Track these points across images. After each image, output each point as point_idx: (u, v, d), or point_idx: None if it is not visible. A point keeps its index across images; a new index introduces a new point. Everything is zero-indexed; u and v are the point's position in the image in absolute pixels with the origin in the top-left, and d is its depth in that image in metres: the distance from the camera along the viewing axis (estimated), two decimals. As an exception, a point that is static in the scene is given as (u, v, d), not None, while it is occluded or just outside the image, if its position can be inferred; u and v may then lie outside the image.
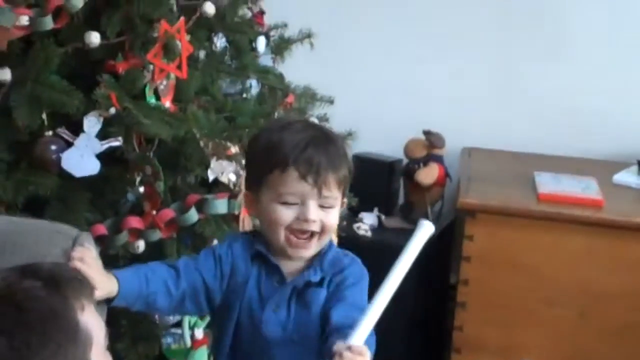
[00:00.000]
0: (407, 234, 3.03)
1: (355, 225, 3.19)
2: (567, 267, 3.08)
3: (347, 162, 1.93)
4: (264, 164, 1.85)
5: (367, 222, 3.30)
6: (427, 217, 3.15)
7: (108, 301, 1.71)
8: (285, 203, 1.84)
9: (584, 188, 3.07)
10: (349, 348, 1.71)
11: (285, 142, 1.83)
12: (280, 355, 1.91)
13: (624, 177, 3.17)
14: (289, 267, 1.96)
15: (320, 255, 1.96)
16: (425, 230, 1.82)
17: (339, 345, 1.73)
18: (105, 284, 1.73)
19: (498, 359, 3.15)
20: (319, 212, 1.86)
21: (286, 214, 1.87)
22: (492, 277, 3.13)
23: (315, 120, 2.68)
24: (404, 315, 3.29)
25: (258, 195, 1.91)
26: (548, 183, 3.08)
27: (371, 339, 1.84)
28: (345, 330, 1.80)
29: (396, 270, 1.81)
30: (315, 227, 1.86)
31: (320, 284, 2.00)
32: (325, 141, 1.86)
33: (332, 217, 1.89)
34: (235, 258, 1.94)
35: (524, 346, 3.14)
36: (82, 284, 1.44)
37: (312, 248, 1.93)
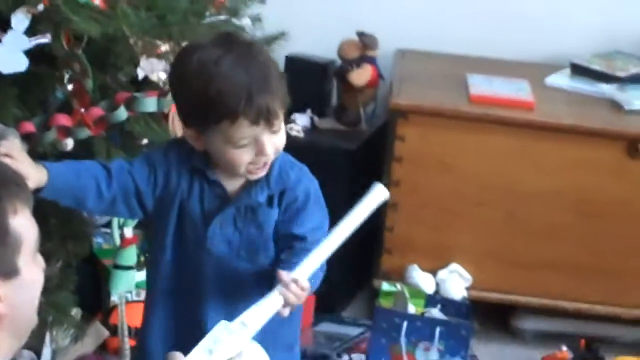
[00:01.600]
0: (339, 136, 3.07)
1: (288, 126, 3.15)
2: (496, 168, 3.16)
3: (281, 77, 1.95)
4: (208, 116, 1.89)
5: (299, 123, 3.33)
6: (359, 118, 3.29)
7: (37, 191, 1.73)
8: (239, 146, 1.87)
9: (516, 90, 3.16)
10: (295, 281, 1.81)
11: (225, 94, 1.85)
12: (227, 272, 1.98)
13: (556, 79, 3.26)
14: (232, 185, 2.02)
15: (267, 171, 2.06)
16: (377, 194, 1.89)
17: (285, 275, 1.82)
18: (34, 174, 1.77)
19: (427, 259, 3.21)
20: (272, 140, 1.90)
21: (243, 156, 1.92)
22: (423, 178, 3.19)
23: (248, 22, 2.71)
24: (335, 216, 3.33)
25: (204, 134, 1.95)
26: (480, 85, 3.14)
27: (319, 272, 1.96)
28: (294, 258, 1.92)
29: (342, 226, 1.87)
30: (272, 156, 1.91)
31: (269, 203, 2.06)
32: (255, 63, 1.91)
33: (282, 137, 1.95)
34: (169, 167, 1.98)
35: (453, 246, 3.24)
36: (20, 187, 1.45)
37: (267, 168, 2.00)
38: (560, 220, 3.22)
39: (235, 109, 1.86)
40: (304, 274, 1.86)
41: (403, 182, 3.19)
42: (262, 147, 1.90)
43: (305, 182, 2.11)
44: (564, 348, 3.09)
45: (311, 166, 2.44)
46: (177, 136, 2.32)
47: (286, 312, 1.88)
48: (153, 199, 2.02)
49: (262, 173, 2.01)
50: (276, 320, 1.92)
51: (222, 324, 1.77)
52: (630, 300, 3.23)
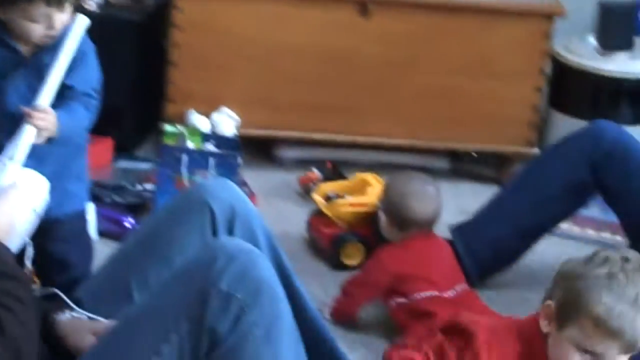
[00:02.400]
0: (129, 9, 3.43)
1: (83, 1, 3.32)
2: (261, 30, 3.44)
3: None
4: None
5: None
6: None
7: None
8: (34, 21, 2.20)
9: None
10: (36, 109, 2.14)
11: None
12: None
13: None
14: (26, 50, 2.34)
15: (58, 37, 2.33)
16: (80, 22, 2.22)
17: (25, 109, 2.15)
18: None
19: (203, 105, 3.46)
20: (61, 17, 2.23)
21: (37, 29, 2.24)
22: (199, 40, 3.43)
23: None
24: (126, 79, 3.50)
25: (4, 8, 2.24)
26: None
27: (82, 114, 2.36)
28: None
29: (62, 58, 2.20)
30: (60, 30, 2.26)
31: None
32: None
33: (69, 14, 2.25)
34: None
35: (224, 94, 3.50)
36: None
37: (55, 37, 2.28)
38: (310, 68, 3.51)
39: None
40: (44, 101, 2.16)
41: (183, 45, 3.44)
42: (53, 23, 2.21)
43: (85, 46, 2.36)
44: (315, 170, 3.43)
45: (105, 37, 2.84)
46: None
47: (42, 137, 2.17)
48: None
49: (51, 41, 2.28)
50: (65, 154, 2.30)
51: None
52: (366, 129, 3.56)
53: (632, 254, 1.80)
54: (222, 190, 1.98)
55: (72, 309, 1.88)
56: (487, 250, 2.93)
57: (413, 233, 2.76)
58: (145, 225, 2.10)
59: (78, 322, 1.86)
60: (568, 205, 3.02)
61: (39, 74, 2.32)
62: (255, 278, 1.65)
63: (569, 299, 1.77)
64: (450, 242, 2.92)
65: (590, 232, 3.36)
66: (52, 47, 2.35)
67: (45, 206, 1.94)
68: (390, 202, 2.81)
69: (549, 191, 2.97)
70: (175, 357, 1.64)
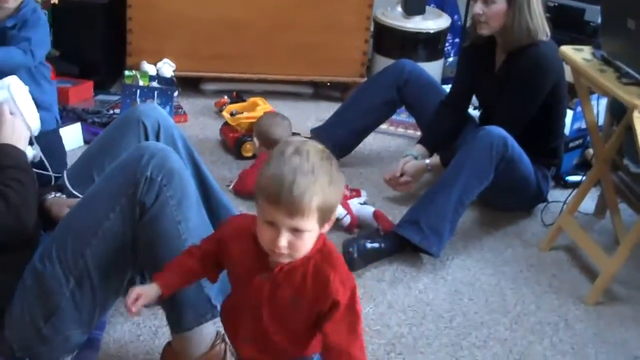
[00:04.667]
0: None
1: None
2: (193, 6, 3.39)
3: None
4: None
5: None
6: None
7: None
8: None
9: None
10: None
11: None
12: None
13: None
14: None
15: (17, 9, 2.38)
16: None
17: None
18: None
19: (151, 57, 3.45)
20: None
21: None
22: (149, 13, 3.38)
23: None
24: (100, 42, 3.47)
25: None
26: None
27: (16, 53, 2.32)
28: None
29: None
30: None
31: (13, 28, 2.40)
32: None
33: None
34: None
35: (166, 50, 3.49)
36: None
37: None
38: (222, 31, 3.45)
39: None
40: None
41: (135, 18, 3.41)
42: None
43: (35, 15, 2.41)
44: (225, 97, 3.45)
45: (85, 14, 2.88)
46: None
47: None
48: None
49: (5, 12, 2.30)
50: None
51: None
52: (257, 69, 3.52)
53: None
54: (151, 111, 1.96)
55: (56, 192, 1.89)
56: (333, 144, 2.80)
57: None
58: (103, 133, 2.03)
59: (59, 199, 1.86)
60: (384, 113, 3.09)
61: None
62: (169, 167, 1.64)
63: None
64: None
65: (400, 130, 3.44)
66: (15, 14, 2.36)
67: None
68: (260, 131, 2.89)
69: (372, 104, 3.03)
70: (120, 221, 1.63)
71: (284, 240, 1.40)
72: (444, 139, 2.88)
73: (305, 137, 2.97)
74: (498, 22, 2.60)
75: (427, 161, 2.82)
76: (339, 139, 2.98)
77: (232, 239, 1.55)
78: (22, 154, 1.68)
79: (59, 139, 2.67)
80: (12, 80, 1.73)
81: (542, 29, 2.58)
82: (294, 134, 2.95)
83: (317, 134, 3.03)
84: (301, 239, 1.41)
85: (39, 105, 1.87)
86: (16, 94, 1.71)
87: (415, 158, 2.85)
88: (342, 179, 1.44)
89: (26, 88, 1.76)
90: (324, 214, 1.41)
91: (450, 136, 2.89)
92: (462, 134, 2.87)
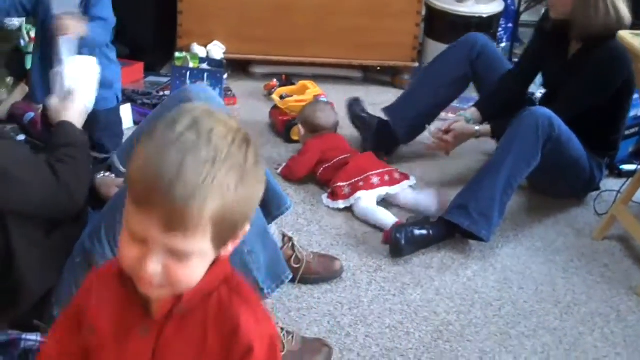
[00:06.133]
0: None
1: None
2: None
3: None
4: None
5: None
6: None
7: None
8: None
9: None
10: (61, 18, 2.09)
11: None
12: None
13: None
14: None
15: None
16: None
17: (57, 19, 2.10)
18: None
19: (201, 39, 3.44)
20: None
21: None
22: None
23: None
24: (151, 23, 3.48)
25: None
26: None
27: (98, 29, 2.32)
28: None
29: None
30: None
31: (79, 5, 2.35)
32: None
33: None
34: None
35: (215, 31, 3.47)
36: None
37: None
38: (271, 14, 3.46)
39: None
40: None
41: (185, 1, 3.42)
42: None
43: None
44: (274, 80, 3.40)
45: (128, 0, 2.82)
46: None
47: (75, 35, 2.11)
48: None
49: None
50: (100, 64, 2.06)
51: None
52: (306, 52, 3.52)
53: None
54: (201, 93, 1.93)
55: (105, 172, 1.91)
56: (403, 124, 2.94)
57: (322, 133, 2.85)
58: (153, 114, 2.02)
59: (108, 179, 1.88)
60: (455, 91, 2.98)
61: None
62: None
63: None
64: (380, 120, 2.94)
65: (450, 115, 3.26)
66: None
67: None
68: (304, 118, 2.91)
69: (443, 81, 2.93)
70: None
71: (154, 263, 0.91)
72: (500, 109, 2.80)
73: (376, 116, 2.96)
74: (563, 7, 2.56)
75: (477, 127, 2.77)
76: (410, 120, 2.94)
77: (93, 293, 1.05)
78: (80, 132, 1.70)
79: (118, 117, 2.70)
80: (92, 61, 1.86)
81: (616, 20, 2.51)
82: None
83: (389, 111, 2.99)
84: (184, 265, 0.92)
85: (100, 84, 1.93)
86: (90, 74, 1.82)
87: (468, 121, 2.80)
88: (261, 176, 0.97)
89: (98, 70, 1.87)
90: (224, 230, 0.93)
91: (507, 107, 2.78)
92: (519, 112, 2.81)
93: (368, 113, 3.04)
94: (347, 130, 3.04)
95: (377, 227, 2.54)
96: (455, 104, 3.16)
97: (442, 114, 3.10)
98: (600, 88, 2.58)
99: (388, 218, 2.51)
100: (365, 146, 2.94)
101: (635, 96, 2.86)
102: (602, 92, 2.58)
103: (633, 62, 2.46)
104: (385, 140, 2.95)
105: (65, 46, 2.09)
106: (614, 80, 2.57)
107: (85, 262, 1.62)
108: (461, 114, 2.87)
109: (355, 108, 3.05)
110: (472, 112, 2.86)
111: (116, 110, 2.68)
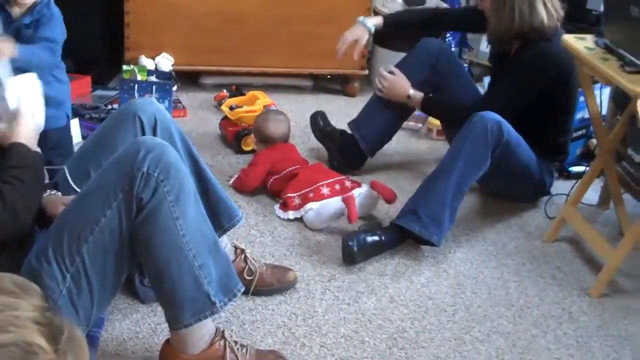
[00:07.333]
0: None
1: None
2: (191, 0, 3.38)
3: None
4: None
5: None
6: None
7: None
8: None
9: None
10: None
11: None
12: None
13: None
14: (14, 12, 2.39)
15: (33, 5, 2.37)
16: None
17: None
18: None
19: (149, 52, 3.45)
20: None
21: None
22: (146, 6, 3.37)
23: None
24: (99, 37, 3.46)
25: None
26: None
27: (41, 52, 2.29)
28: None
29: None
30: None
31: (28, 25, 2.39)
32: None
33: None
34: None
35: (164, 44, 3.48)
36: None
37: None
38: (220, 24, 3.44)
39: None
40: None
41: (132, 12, 3.41)
42: None
43: (51, 11, 2.38)
44: (224, 90, 3.44)
45: (84, 10, 2.87)
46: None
47: (3, 58, 1.96)
48: None
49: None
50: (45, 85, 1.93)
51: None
52: (256, 62, 3.52)
53: None
54: (148, 106, 1.94)
55: (51, 190, 1.89)
56: (367, 137, 2.94)
57: (273, 144, 2.85)
58: (100, 128, 2.02)
59: (54, 197, 1.85)
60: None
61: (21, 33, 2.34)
62: (166, 162, 1.62)
63: None
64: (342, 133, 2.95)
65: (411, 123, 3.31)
66: (29, 12, 2.34)
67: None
68: (256, 128, 2.91)
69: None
70: (116, 218, 1.61)
71: None
72: (406, 25, 2.99)
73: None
74: (483, 3, 2.66)
75: (411, 92, 2.81)
76: (377, 133, 2.94)
77: None
78: (33, 153, 1.67)
79: (68, 136, 2.68)
80: (32, 78, 1.76)
81: (529, 21, 2.54)
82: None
83: (356, 128, 2.96)
84: None
85: (49, 102, 1.87)
86: (33, 91, 1.75)
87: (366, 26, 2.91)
88: None
89: (40, 86, 1.79)
90: None
91: (414, 27, 2.99)
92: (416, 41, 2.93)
93: (333, 126, 3.04)
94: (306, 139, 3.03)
95: (331, 235, 2.54)
96: (417, 112, 3.13)
97: (407, 124, 3.15)
98: (523, 86, 2.60)
99: (336, 203, 2.52)
100: (332, 164, 2.96)
101: (581, 99, 2.91)
102: (526, 90, 2.61)
103: (577, 65, 2.51)
104: (351, 154, 2.95)
105: (0, 70, 1.99)
106: (537, 80, 2.59)
107: (32, 282, 1.59)
108: (361, 19, 2.94)
109: (319, 121, 3.04)
110: (376, 20, 2.94)
111: (66, 129, 2.67)
